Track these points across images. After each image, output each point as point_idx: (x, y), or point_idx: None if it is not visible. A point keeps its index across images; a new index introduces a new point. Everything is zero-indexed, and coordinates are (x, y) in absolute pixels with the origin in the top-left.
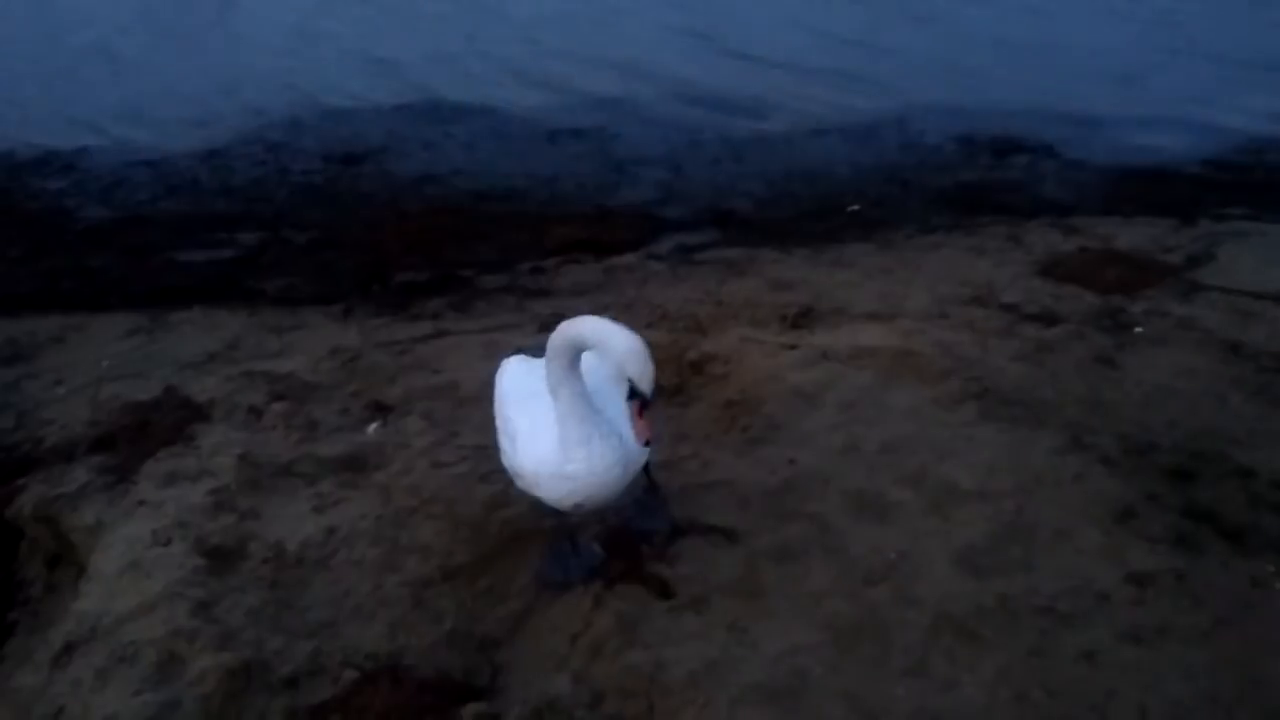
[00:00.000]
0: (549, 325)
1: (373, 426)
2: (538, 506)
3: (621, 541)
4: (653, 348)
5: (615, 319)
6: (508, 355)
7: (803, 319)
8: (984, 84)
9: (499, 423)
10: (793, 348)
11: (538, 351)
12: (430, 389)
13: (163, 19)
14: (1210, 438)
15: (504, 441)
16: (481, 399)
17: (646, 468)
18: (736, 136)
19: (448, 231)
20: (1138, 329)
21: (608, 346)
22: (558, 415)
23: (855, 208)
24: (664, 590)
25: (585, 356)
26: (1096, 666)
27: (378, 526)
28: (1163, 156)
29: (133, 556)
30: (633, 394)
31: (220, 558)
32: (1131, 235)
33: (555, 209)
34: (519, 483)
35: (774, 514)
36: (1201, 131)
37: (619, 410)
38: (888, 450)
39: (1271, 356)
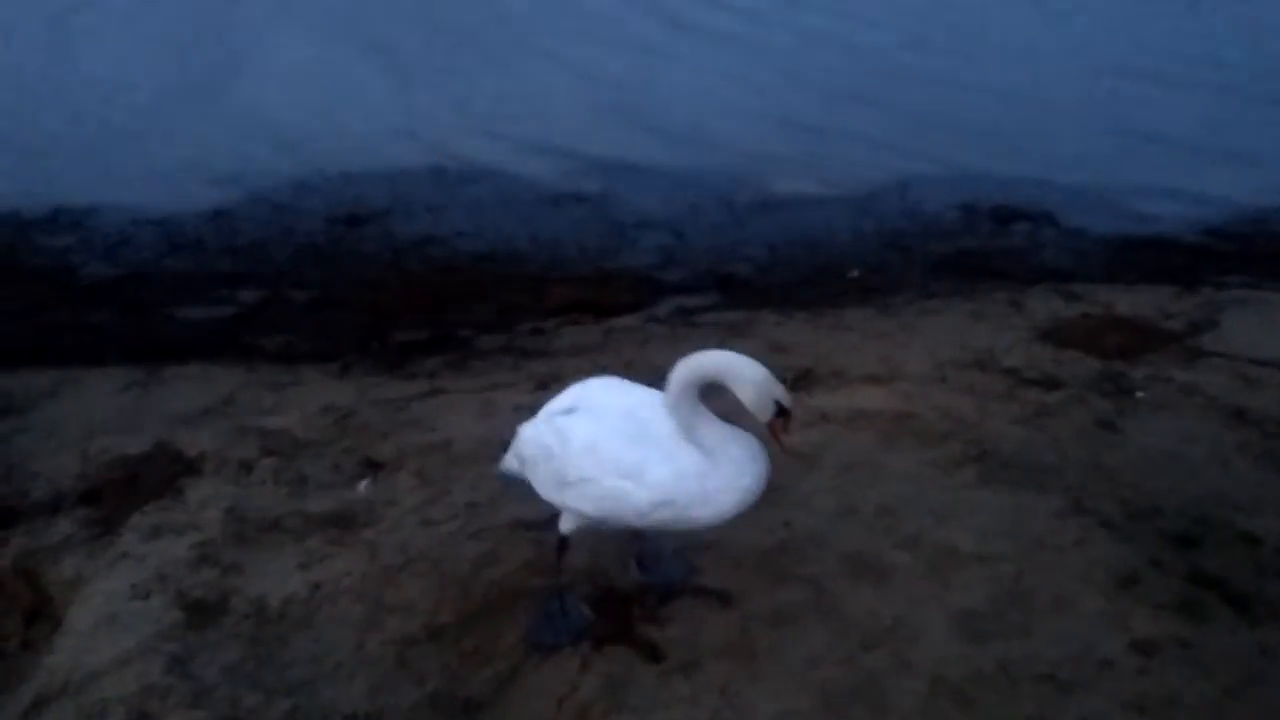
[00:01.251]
0: (546, 384)
1: (363, 483)
2: (650, 531)
3: (610, 602)
4: None
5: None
6: (512, 414)
7: (802, 381)
8: (986, 152)
9: (593, 468)
10: None
11: (534, 411)
12: (423, 447)
13: (176, 80)
14: (1214, 503)
15: (617, 482)
16: (476, 457)
17: None
18: (738, 202)
19: (448, 292)
20: (1139, 394)
21: (739, 376)
22: (711, 441)
23: (856, 273)
24: (654, 653)
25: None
26: None
27: (363, 584)
28: (1163, 225)
29: (110, 610)
30: (780, 412)
31: (200, 612)
32: (1133, 302)
33: (556, 271)
34: (660, 513)
35: (769, 576)
36: (1200, 201)
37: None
38: (885, 513)
39: (1275, 423)
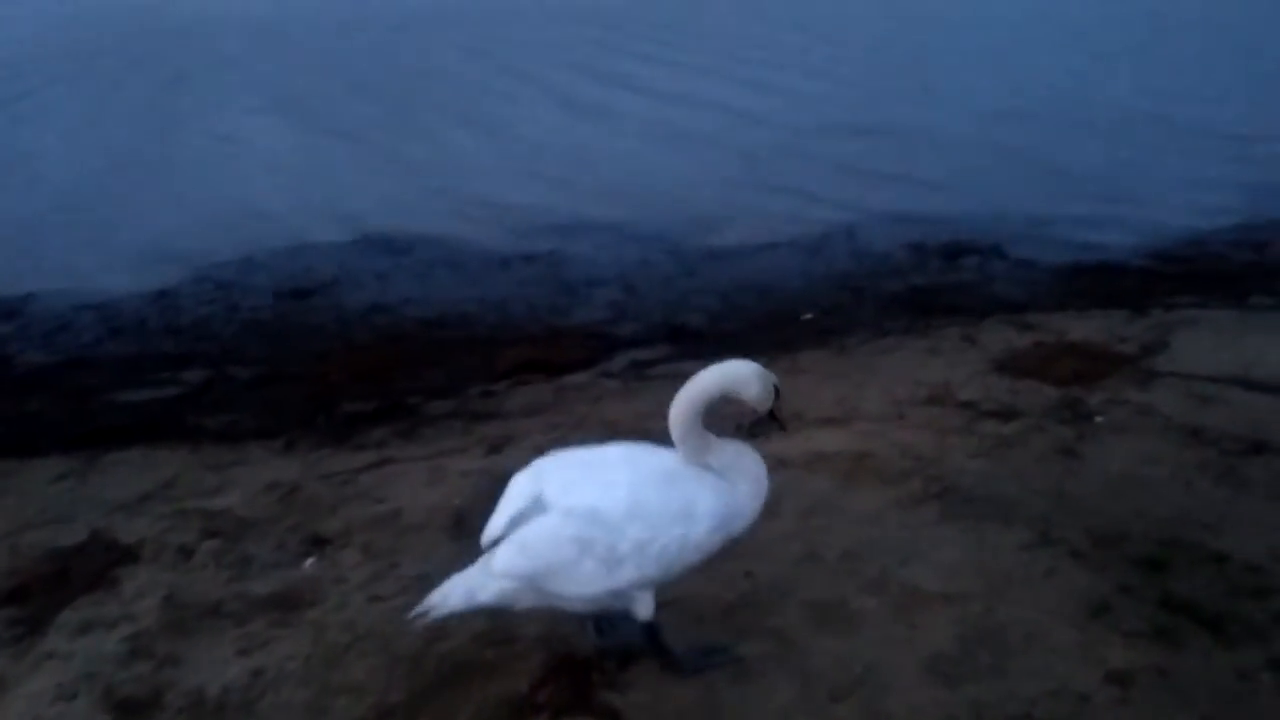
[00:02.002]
0: (498, 447)
1: (309, 561)
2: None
3: (568, 669)
4: None
5: (566, 438)
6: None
7: (758, 426)
8: (931, 191)
9: (646, 528)
10: None
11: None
12: (371, 519)
13: (115, 163)
14: (1180, 525)
15: (674, 530)
16: (425, 526)
17: None
18: (688, 253)
19: (396, 360)
20: (1098, 419)
21: (738, 379)
22: (723, 461)
23: (809, 316)
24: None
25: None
26: None
27: (307, 667)
28: (1110, 253)
29: (33, 715)
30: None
31: (131, 710)
32: (1085, 328)
33: (506, 332)
34: (714, 539)
35: (733, 631)
36: (1144, 228)
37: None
38: (848, 557)
39: (1234, 439)
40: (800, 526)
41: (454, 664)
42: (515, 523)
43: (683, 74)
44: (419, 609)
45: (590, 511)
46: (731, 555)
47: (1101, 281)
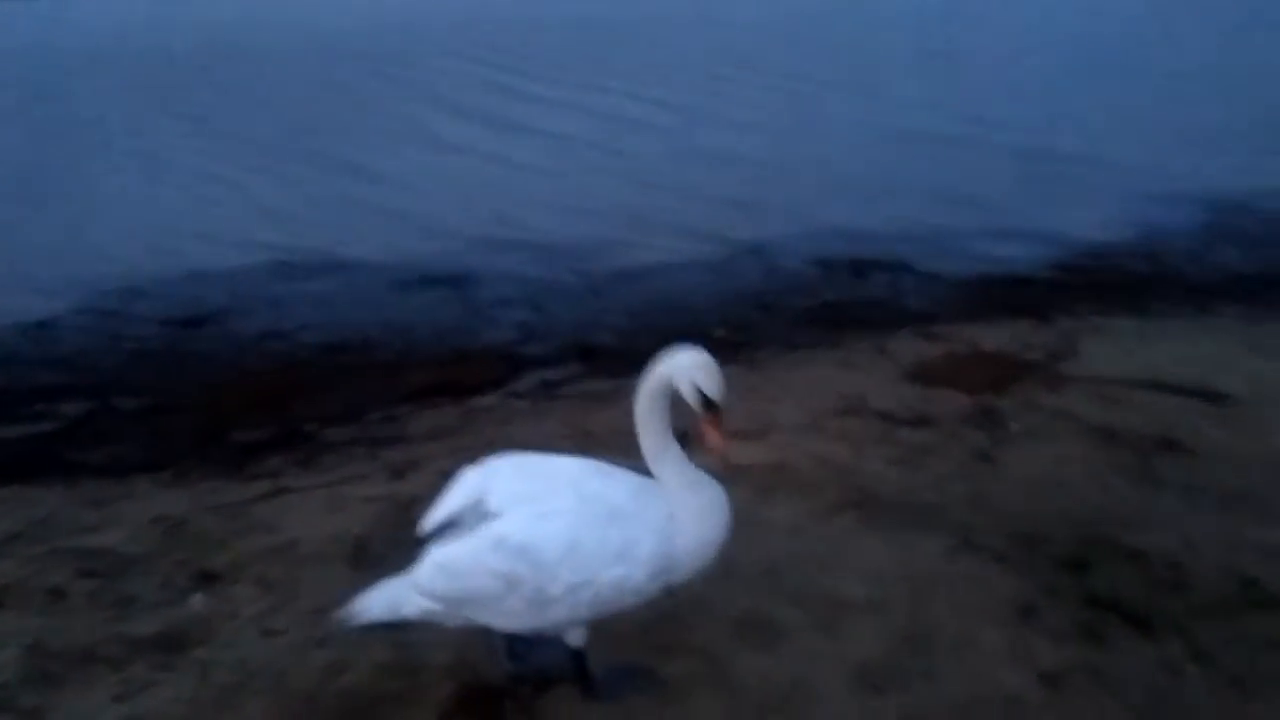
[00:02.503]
0: (401, 473)
1: (196, 597)
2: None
3: (479, 699)
4: None
5: (474, 460)
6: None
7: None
8: (835, 211)
9: (582, 570)
10: None
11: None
12: (265, 551)
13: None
14: (1099, 524)
15: (612, 573)
16: (324, 557)
17: None
18: (596, 273)
19: (293, 387)
20: (1012, 424)
21: (680, 367)
22: (683, 482)
23: (720, 333)
24: None
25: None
26: None
27: (192, 711)
28: (1014, 265)
29: None
30: (707, 406)
31: None
32: (994, 337)
33: (410, 356)
34: (657, 582)
35: (652, 650)
36: (1046, 240)
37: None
38: (769, 569)
39: (1145, 439)
40: None
41: (355, 699)
42: (452, 523)
43: (587, 96)
44: (339, 617)
45: (521, 548)
46: None
47: (1007, 293)
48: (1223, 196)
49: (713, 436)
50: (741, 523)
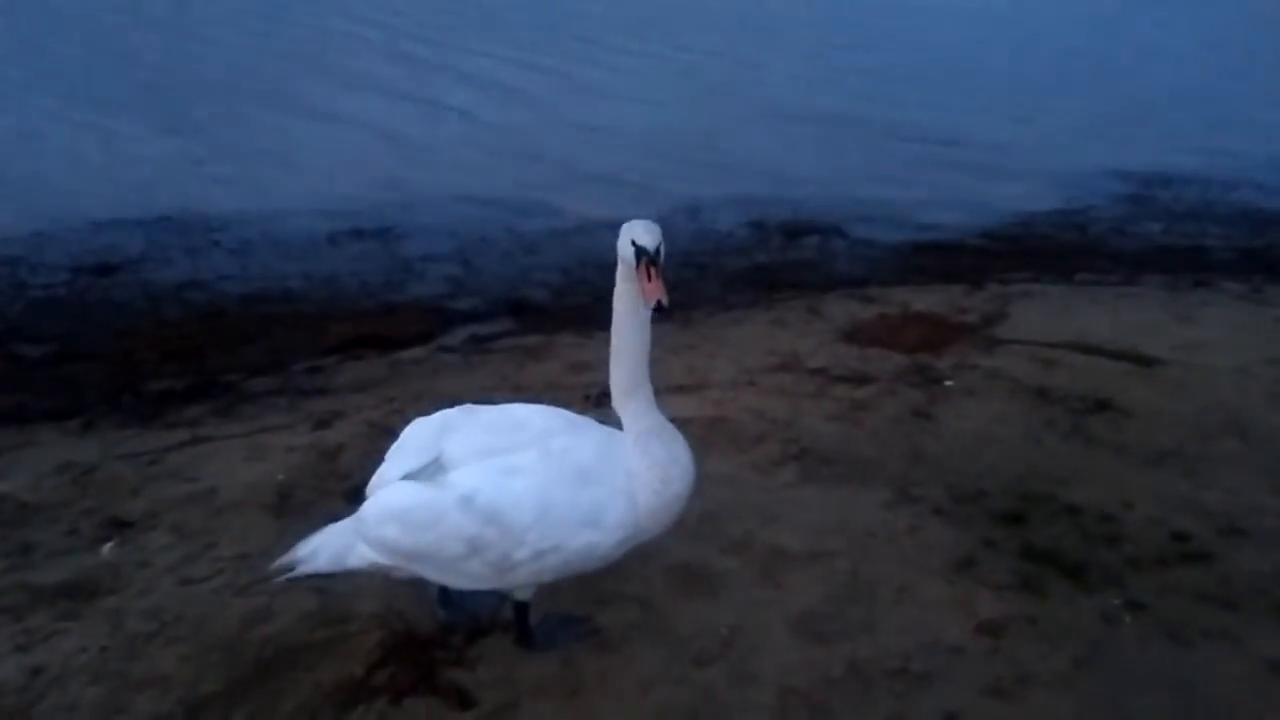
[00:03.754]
0: (326, 422)
1: (107, 546)
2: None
3: (409, 648)
4: None
5: (402, 411)
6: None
7: (606, 397)
8: (768, 175)
9: (552, 535)
10: None
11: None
12: (181, 499)
13: None
14: (1034, 479)
15: (580, 539)
16: (245, 504)
17: None
18: (527, 231)
19: (212, 337)
20: (948, 382)
21: (621, 234)
22: (648, 428)
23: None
24: (464, 699)
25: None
26: None
27: (102, 660)
28: (945, 232)
29: None
30: (639, 255)
31: None
32: (927, 300)
33: (335, 308)
34: (624, 548)
35: (590, 600)
36: (975, 210)
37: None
38: (709, 520)
39: (1077, 398)
40: None
41: (278, 649)
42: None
43: (519, 52)
44: (280, 563)
45: (490, 511)
46: None
47: (938, 259)
48: (1144, 173)
49: (651, 287)
50: None
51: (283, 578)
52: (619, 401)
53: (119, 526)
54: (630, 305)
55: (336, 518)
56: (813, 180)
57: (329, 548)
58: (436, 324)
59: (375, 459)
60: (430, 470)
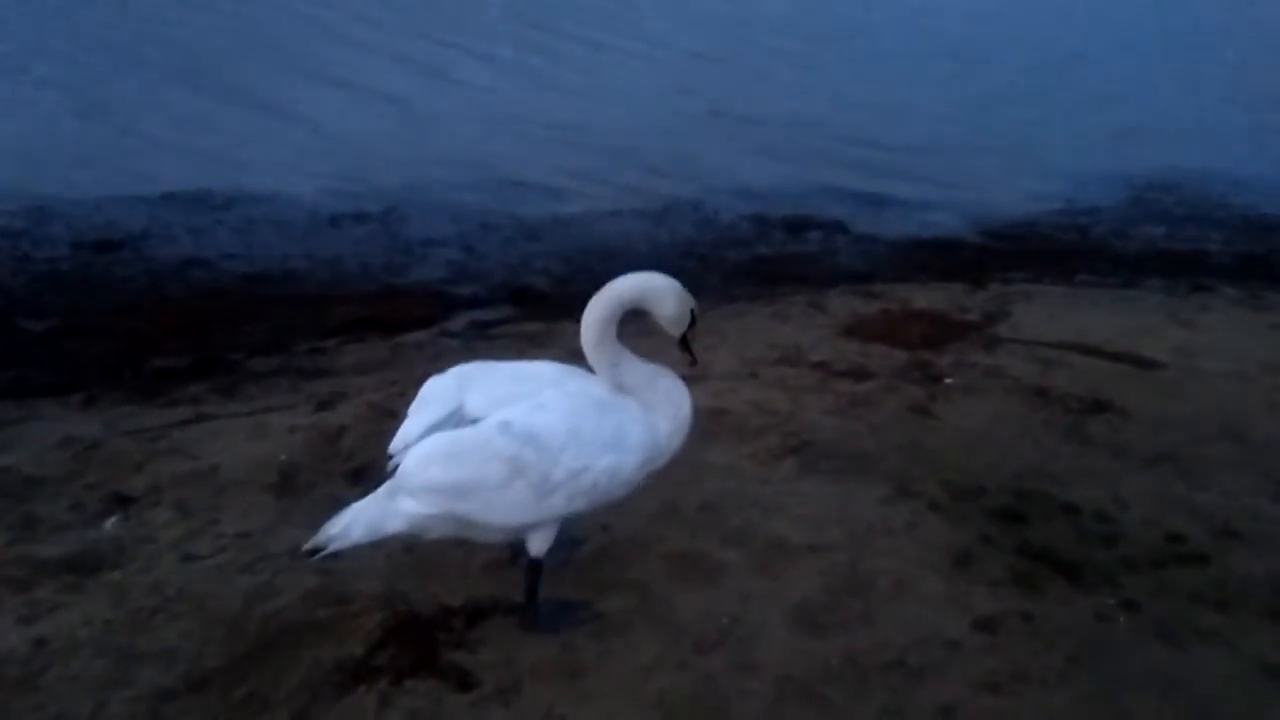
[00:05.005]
0: (328, 403)
1: (110, 521)
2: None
3: (411, 629)
4: None
5: (404, 394)
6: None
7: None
8: (771, 169)
9: (582, 456)
10: None
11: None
12: (184, 475)
13: None
14: (1032, 477)
15: (608, 460)
16: (248, 483)
17: None
18: (530, 218)
19: (214, 315)
20: (948, 380)
21: (656, 291)
22: (637, 378)
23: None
24: (464, 681)
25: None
26: None
27: (106, 633)
28: (947, 230)
29: None
30: (693, 323)
31: None
32: (929, 298)
33: (337, 290)
34: (642, 473)
35: (589, 585)
36: (978, 209)
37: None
38: (709, 510)
39: (1075, 399)
40: (657, 480)
41: (280, 626)
42: (433, 430)
43: (521, 43)
44: (313, 543)
45: (529, 432)
46: None
47: (940, 257)
48: (1147, 176)
49: (695, 350)
50: (681, 464)
51: (317, 557)
52: (607, 374)
53: (122, 502)
54: (608, 321)
55: (339, 499)
56: (812, 174)
57: (362, 520)
58: (438, 308)
59: (378, 440)
60: (454, 420)
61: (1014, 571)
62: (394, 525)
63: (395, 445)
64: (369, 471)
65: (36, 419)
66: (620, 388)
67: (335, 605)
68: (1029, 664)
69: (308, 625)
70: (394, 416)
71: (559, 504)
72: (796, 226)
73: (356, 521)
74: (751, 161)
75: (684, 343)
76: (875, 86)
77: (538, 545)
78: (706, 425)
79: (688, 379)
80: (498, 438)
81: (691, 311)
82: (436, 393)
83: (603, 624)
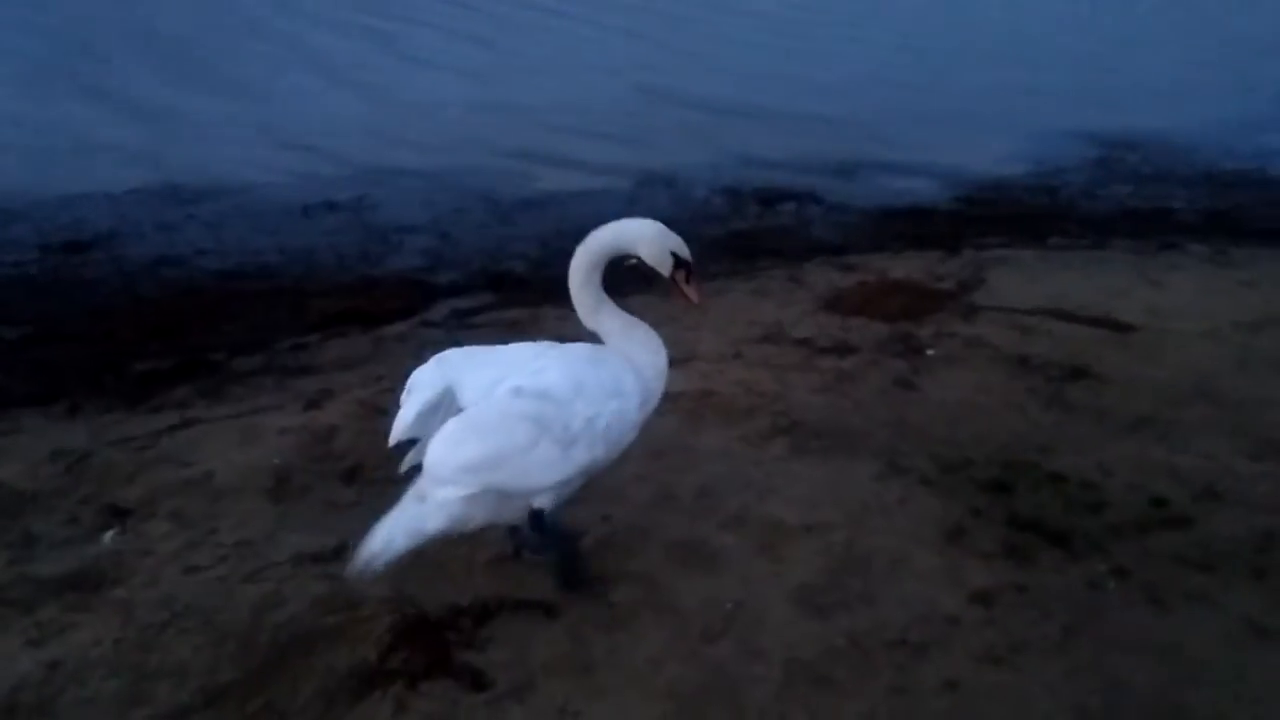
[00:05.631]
0: (317, 402)
1: (108, 534)
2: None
3: (421, 631)
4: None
5: (391, 390)
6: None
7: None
8: (740, 142)
9: (591, 404)
10: None
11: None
12: (178, 484)
13: None
14: (1018, 447)
15: (614, 405)
16: (243, 489)
17: None
18: (502, 201)
19: (192, 314)
20: (929, 351)
21: (637, 235)
22: (616, 325)
23: (632, 261)
24: (478, 680)
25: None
26: (962, 695)
27: (117, 652)
28: (919, 197)
29: None
30: (679, 264)
31: None
32: (905, 267)
33: (314, 282)
34: (649, 405)
35: (594, 577)
36: (947, 174)
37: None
38: (705, 495)
39: (1056, 366)
40: (652, 467)
41: (291, 635)
42: (427, 416)
43: (488, 21)
44: (358, 565)
45: (541, 390)
46: (584, 499)
47: (913, 224)
48: (1110, 135)
49: (692, 290)
50: (674, 449)
51: (369, 574)
52: (589, 317)
53: (118, 514)
54: (593, 266)
55: (335, 502)
56: (782, 144)
57: (401, 527)
58: (417, 298)
59: (370, 440)
60: (446, 405)
61: (1006, 543)
62: (434, 523)
63: (395, 436)
64: (364, 471)
65: (21, 431)
66: (600, 332)
67: (344, 611)
68: (1027, 635)
69: (318, 633)
70: (384, 414)
71: (582, 454)
72: (769, 199)
73: (396, 531)
74: (716, 135)
75: (675, 283)
76: (830, 57)
77: (542, 500)
78: (695, 407)
79: (671, 361)
80: (515, 401)
81: (674, 253)
82: (423, 381)
83: (610, 615)
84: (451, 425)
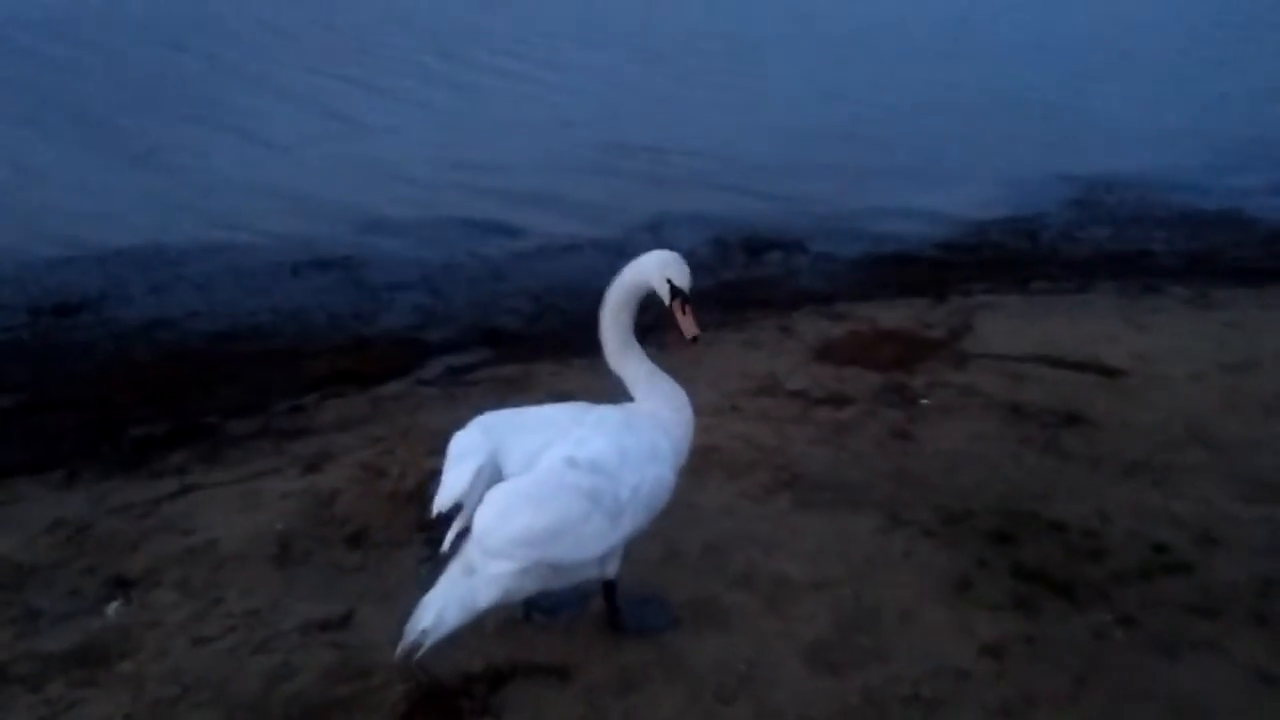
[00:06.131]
0: (316, 465)
1: (113, 606)
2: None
3: (435, 699)
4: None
5: (392, 451)
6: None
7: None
8: (722, 193)
9: (636, 472)
10: None
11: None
12: (182, 553)
13: None
14: (1017, 496)
15: (653, 471)
16: (248, 557)
17: None
18: (490, 257)
19: (187, 378)
20: (924, 401)
21: (644, 267)
22: (645, 374)
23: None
24: None
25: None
26: None
27: None
28: (903, 244)
29: None
30: (674, 294)
31: None
32: (894, 315)
33: (307, 343)
34: (680, 464)
35: (605, 640)
36: (930, 221)
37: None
38: (711, 551)
39: (1049, 413)
40: (657, 524)
41: (304, 707)
42: (476, 484)
43: (470, 74)
44: (409, 643)
45: (593, 461)
46: None
47: (899, 271)
48: (1088, 177)
49: (686, 322)
50: (677, 505)
51: (420, 653)
52: (616, 361)
53: (122, 585)
54: (620, 307)
55: (341, 567)
56: (766, 195)
57: (452, 603)
58: (412, 356)
59: (372, 503)
60: (490, 471)
61: (1012, 594)
62: (487, 596)
63: (441, 502)
64: (368, 535)
65: (19, 500)
66: (623, 377)
67: (356, 680)
68: (1038, 688)
69: (332, 703)
70: (384, 476)
71: (628, 524)
72: (756, 248)
73: (448, 607)
74: (694, 188)
75: (672, 313)
76: (805, 107)
77: (612, 569)
78: (698, 463)
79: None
80: (570, 472)
81: (669, 280)
82: (466, 447)
83: (624, 679)
84: (501, 495)
